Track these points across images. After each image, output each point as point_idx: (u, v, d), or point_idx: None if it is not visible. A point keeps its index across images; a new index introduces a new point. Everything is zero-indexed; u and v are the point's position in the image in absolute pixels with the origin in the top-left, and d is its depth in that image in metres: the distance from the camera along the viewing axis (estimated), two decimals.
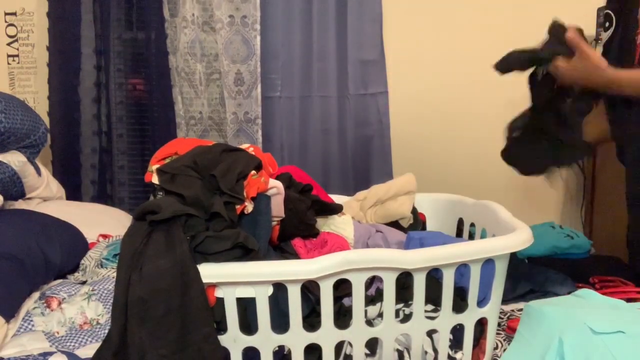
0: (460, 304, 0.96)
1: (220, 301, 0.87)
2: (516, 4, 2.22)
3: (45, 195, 1.80)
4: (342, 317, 0.95)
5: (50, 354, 0.99)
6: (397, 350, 0.96)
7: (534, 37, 2.24)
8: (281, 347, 0.93)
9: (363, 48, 2.16)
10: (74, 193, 2.09)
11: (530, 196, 2.32)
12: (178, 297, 0.83)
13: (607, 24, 1.38)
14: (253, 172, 1.00)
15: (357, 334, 0.92)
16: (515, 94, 2.26)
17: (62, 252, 1.33)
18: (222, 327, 0.89)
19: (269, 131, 2.21)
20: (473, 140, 2.28)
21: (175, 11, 2.10)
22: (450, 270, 0.92)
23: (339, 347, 0.93)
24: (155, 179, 0.98)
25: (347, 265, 0.87)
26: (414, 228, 1.31)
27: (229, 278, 0.86)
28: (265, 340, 0.90)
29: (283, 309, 0.89)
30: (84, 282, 1.28)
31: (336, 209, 1.21)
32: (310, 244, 1.11)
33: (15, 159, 1.63)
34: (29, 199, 1.74)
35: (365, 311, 0.94)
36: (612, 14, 1.38)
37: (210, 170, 0.95)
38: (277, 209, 1.02)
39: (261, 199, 0.98)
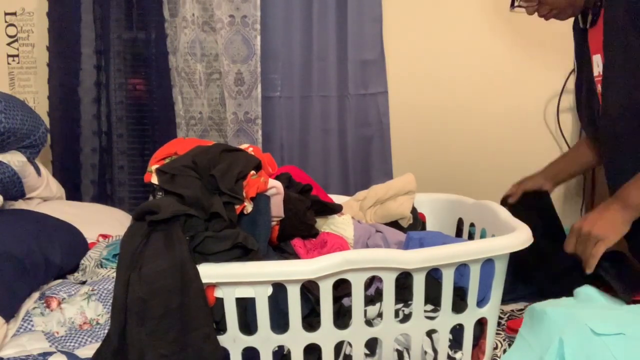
0: (459, 304, 0.96)
1: (220, 301, 0.87)
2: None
3: (45, 195, 1.80)
4: (342, 317, 0.95)
5: (50, 354, 0.99)
6: (397, 350, 0.96)
7: (534, 37, 2.25)
8: (281, 347, 0.93)
9: (363, 48, 2.16)
10: (74, 193, 2.09)
11: None
12: (177, 297, 0.83)
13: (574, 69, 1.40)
14: (252, 172, 1.00)
15: (356, 334, 0.92)
16: (515, 93, 2.26)
17: (62, 252, 1.32)
18: (221, 327, 0.89)
19: (269, 131, 2.21)
20: (473, 140, 2.28)
21: (175, 11, 2.10)
22: (449, 270, 0.92)
23: (338, 347, 0.93)
24: (154, 179, 0.98)
25: (347, 265, 0.87)
26: (413, 228, 1.31)
27: (228, 278, 0.86)
28: (265, 340, 0.90)
29: (283, 309, 0.89)
30: (83, 282, 1.28)
31: (336, 209, 1.21)
32: (310, 244, 1.11)
33: (15, 159, 1.63)
34: (29, 199, 1.74)
35: (365, 311, 0.94)
36: (575, 60, 1.39)
37: (210, 170, 0.95)
38: (277, 209, 1.02)
39: (261, 199, 0.98)
